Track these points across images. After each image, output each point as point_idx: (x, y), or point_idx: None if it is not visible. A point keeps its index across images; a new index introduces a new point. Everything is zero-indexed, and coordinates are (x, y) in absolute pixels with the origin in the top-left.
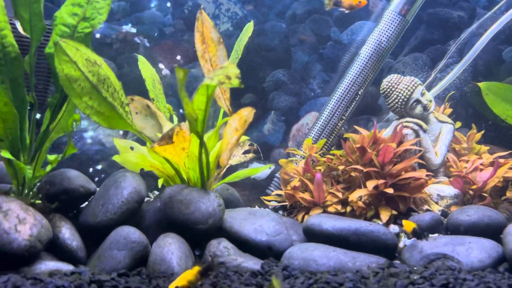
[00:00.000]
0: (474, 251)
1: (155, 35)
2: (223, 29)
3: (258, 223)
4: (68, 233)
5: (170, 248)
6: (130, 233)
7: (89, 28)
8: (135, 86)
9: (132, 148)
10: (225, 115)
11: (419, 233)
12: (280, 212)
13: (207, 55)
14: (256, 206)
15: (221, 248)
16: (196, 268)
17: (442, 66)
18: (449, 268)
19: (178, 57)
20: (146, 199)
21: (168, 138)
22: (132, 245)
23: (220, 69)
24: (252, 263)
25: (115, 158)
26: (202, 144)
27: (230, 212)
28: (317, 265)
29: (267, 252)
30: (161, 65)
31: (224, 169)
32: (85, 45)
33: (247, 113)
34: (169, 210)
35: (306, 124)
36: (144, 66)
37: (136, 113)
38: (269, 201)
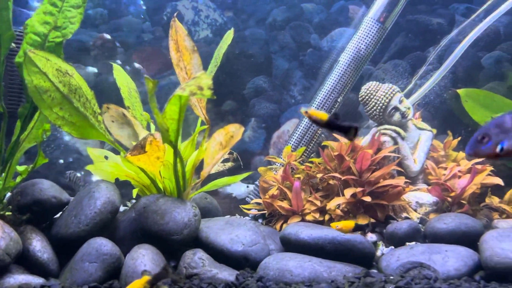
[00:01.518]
0: (450, 260)
1: (134, 41)
2: (202, 36)
3: (235, 233)
4: (39, 245)
5: (143, 260)
6: (102, 245)
7: (61, 38)
8: (113, 93)
9: (106, 158)
10: (204, 123)
11: (362, 226)
12: (260, 220)
13: (182, 64)
14: (237, 215)
15: (196, 259)
16: (145, 278)
17: (422, 73)
18: (425, 277)
19: (157, 64)
20: (123, 208)
21: (140, 148)
22: (104, 257)
23: (192, 80)
24: (227, 274)
25: (89, 168)
26: (176, 154)
27: (207, 221)
28: (292, 276)
29: (243, 262)
30: (137, 65)
31: (204, 178)
32: (56, 54)
33: (234, 130)
34: (144, 220)
35: (287, 131)
36: (120, 74)
37: (112, 121)
38: (249, 209)
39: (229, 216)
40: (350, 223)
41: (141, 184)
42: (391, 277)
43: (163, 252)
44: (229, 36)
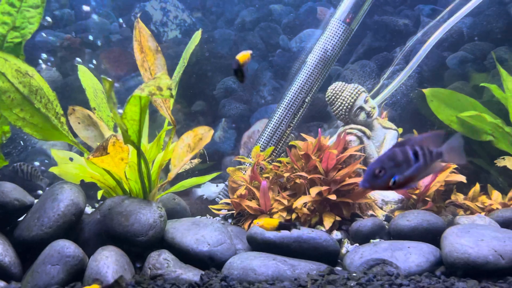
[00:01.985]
0: (412, 256)
1: (101, 42)
2: (171, 37)
3: (201, 233)
4: (0, 249)
5: (106, 261)
6: (65, 247)
7: (20, 38)
8: (82, 94)
9: (71, 159)
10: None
11: (286, 225)
12: (230, 220)
13: (146, 64)
14: (207, 215)
15: (161, 260)
16: (95, 287)
17: (389, 73)
18: (387, 273)
19: (126, 65)
20: (91, 210)
21: (102, 149)
22: (67, 259)
23: (152, 80)
24: (192, 274)
25: (52, 169)
26: (140, 155)
27: (173, 222)
28: (256, 275)
29: (209, 262)
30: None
31: (171, 180)
32: (15, 55)
33: (203, 132)
34: (109, 222)
35: (257, 131)
36: (85, 75)
37: (79, 123)
38: (218, 209)
39: (199, 216)
40: (273, 221)
41: (107, 186)
42: (354, 274)
43: (128, 254)
44: (196, 37)
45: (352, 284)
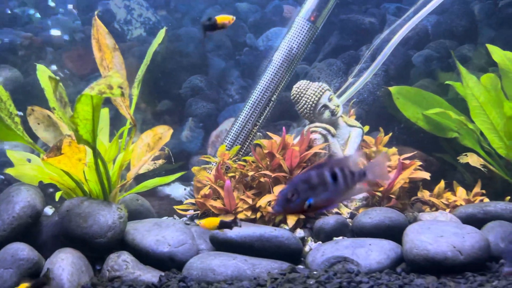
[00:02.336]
0: (373, 253)
1: (63, 41)
2: (136, 35)
3: (162, 234)
4: None
5: (62, 264)
6: (19, 250)
7: None
8: (43, 95)
9: (29, 160)
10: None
11: (227, 223)
12: (196, 220)
13: (104, 63)
14: (175, 216)
15: (120, 261)
16: (24, 285)
17: (356, 72)
18: (347, 271)
19: (89, 63)
20: (51, 211)
21: (56, 150)
22: (20, 262)
23: (102, 79)
24: (151, 275)
25: (9, 171)
26: (96, 155)
27: (135, 223)
28: (215, 275)
29: (170, 263)
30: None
31: (131, 180)
32: None
33: (163, 131)
34: (67, 224)
35: (225, 130)
36: (44, 74)
37: (38, 123)
38: (184, 210)
39: (166, 217)
40: (214, 220)
41: (66, 187)
42: (315, 272)
43: (88, 256)
44: (160, 35)
45: (311, 282)
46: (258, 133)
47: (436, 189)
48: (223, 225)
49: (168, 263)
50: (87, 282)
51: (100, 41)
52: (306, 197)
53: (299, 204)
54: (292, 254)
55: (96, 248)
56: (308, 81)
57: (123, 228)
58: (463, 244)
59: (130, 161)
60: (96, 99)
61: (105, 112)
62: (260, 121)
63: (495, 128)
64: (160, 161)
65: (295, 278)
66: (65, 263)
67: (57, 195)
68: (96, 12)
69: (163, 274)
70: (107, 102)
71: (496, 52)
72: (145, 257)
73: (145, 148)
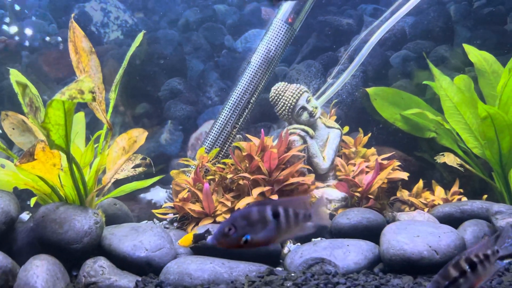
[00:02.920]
0: (351, 254)
1: (39, 44)
2: (113, 38)
3: (139, 239)
4: None
5: (36, 271)
6: None
7: None
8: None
9: (3, 166)
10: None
11: (200, 235)
12: (175, 224)
13: (81, 66)
14: (154, 220)
15: (96, 267)
16: None
17: (335, 73)
18: (324, 272)
19: (66, 67)
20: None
21: (29, 155)
22: None
23: (74, 83)
24: (127, 281)
25: None
26: (70, 160)
27: (112, 228)
28: (192, 279)
29: (147, 268)
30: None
31: (109, 185)
32: None
33: (138, 134)
34: (42, 230)
35: (205, 132)
36: (17, 79)
37: (13, 128)
38: (163, 213)
39: (146, 221)
40: (188, 236)
41: (42, 193)
42: (292, 274)
43: (64, 262)
44: (138, 39)
45: (288, 285)
46: (238, 136)
47: (415, 189)
48: (196, 238)
49: (145, 268)
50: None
51: (76, 44)
52: (244, 233)
53: (235, 239)
54: (271, 257)
55: (72, 254)
56: (286, 83)
57: (99, 233)
58: (439, 243)
59: (106, 165)
60: (68, 104)
61: (80, 116)
62: (239, 123)
63: (470, 128)
64: (141, 169)
65: (273, 280)
66: (39, 270)
67: (32, 201)
68: (72, 15)
69: (139, 279)
70: (85, 105)
71: (472, 52)
72: (122, 262)
73: (120, 152)
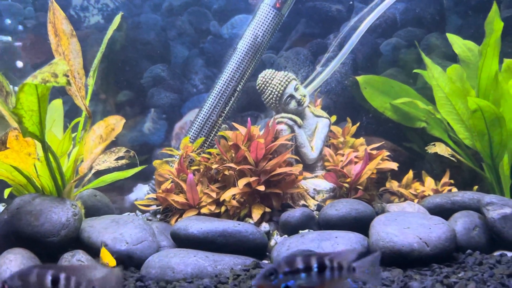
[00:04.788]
0: (339, 246)
1: (15, 28)
2: (93, 22)
3: (119, 231)
4: None
5: (10, 265)
6: None
7: None
8: None
9: None
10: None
11: None
12: (158, 216)
13: (60, 49)
14: (137, 212)
15: (74, 261)
16: None
17: (324, 60)
18: None
19: (44, 52)
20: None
21: (1, 144)
22: None
23: (47, 66)
24: None
25: None
26: (46, 149)
27: (92, 220)
28: (174, 273)
29: (128, 261)
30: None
31: (89, 175)
32: None
33: (115, 122)
34: (17, 222)
35: (190, 121)
36: None
37: None
38: (146, 205)
39: (128, 213)
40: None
41: (17, 183)
42: None
43: (40, 256)
44: (116, 21)
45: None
46: (224, 125)
47: (405, 180)
48: None
49: (126, 262)
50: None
51: (56, 26)
52: (285, 280)
53: (276, 286)
54: (257, 249)
55: (48, 248)
56: (274, 70)
57: (78, 226)
58: (430, 235)
59: (83, 155)
60: (41, 88)
61: (58, 103)
62: (226, 112)
63: (461, 118)
64: (124, 161)
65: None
66: (13, 264)
67: (6, 192)
68: None
69: None
70: (64, 93)
71: (456, 43)
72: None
73: (97, 140)
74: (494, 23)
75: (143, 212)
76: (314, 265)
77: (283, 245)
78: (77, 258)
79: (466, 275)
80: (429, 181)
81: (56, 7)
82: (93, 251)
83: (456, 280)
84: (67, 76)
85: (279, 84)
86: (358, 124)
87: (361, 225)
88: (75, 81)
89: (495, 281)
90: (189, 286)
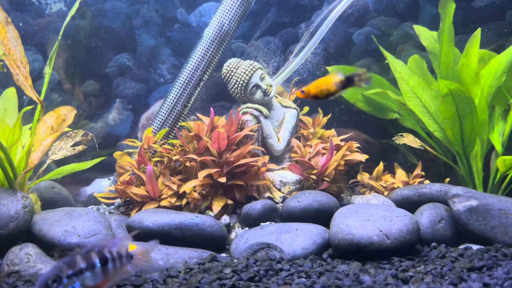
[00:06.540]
0: (299, 239)
1: None
2: (55, 10)
3: (72, 224)
4: None
5: None
6: None
7: None
8: None
9: None
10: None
11: None
12: (121, 209)
13: None
14: (102, 205)
15: (22, 255)
16: None
17: (296, 51)
18: (269, 258)
19: None
20: None
21: None
22: None
23: None
24: None
25: None
26: None
27: (45, 213)
28: None
29: None
30: None
31: (45, 166)
32: None
33: (66, 113)
34: None
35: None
36: None
37: None
38: (106, 198)
39: (92, 206)
40: None
41: None
42: (235, 261)
43: None
44: (74, 7)
45: (227, 272)
46: (192, 116)
47: (375, 172)
48: None
49: None
50: None
51: None
52: (72, 282)
53: None
54: (215, 242)
55: None
56: (239, 59)
57: (28, 219)
58: (390, 228)
59: (34, 145)
60: None
61: (11, 92)
62: (191, 102)
63: (428, 110)
64: (81, 147)
65: (211, 267)
66: None
67: None
68: None
69: None
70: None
71: (424, 34)
72: (52, 249)
73: (48, 131)
74: (447, 7)
75: (108, 205)
76: (96, 260)
77: (241, 238)
78: (25, 251)
79: (425, 269)
80: (399, 173)
81: None
82: (44, 244)
83: (413, 274)
84: (1, 61)
85: (244, 73)
86: (329, 115)
87: (324, 217)
88: (20, 71)
89: (453, 275)
90: (136, 280)
